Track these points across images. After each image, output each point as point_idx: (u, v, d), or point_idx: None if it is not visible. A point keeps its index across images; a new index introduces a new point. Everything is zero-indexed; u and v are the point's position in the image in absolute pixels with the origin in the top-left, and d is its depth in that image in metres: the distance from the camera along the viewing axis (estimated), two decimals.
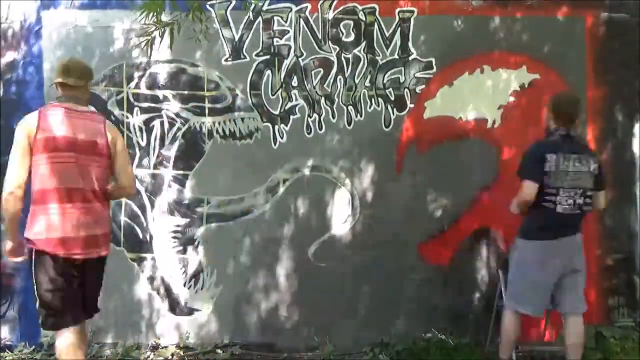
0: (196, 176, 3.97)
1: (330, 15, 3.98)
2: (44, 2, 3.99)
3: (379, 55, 4.00)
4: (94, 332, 3.87)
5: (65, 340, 2.65)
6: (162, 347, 3.89)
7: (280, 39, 3.99)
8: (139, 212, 3.95)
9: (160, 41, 2.93)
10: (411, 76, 3.99)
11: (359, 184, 3.99)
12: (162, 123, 3.98)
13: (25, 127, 2.64)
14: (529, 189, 3.05)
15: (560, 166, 3.03)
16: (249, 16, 3.97)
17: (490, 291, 3.89)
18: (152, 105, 3.98)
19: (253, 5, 3.93)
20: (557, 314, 3.39)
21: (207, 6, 3.87)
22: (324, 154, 3.99)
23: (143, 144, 3.97)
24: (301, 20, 3.98)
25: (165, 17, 2.97)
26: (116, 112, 3.97)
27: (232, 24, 3.98)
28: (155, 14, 2.80)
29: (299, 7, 3.97)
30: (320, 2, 3.98)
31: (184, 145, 3.97)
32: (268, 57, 3.99)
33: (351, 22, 3.99)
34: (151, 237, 3.96)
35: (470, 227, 3.96)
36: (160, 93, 3.97)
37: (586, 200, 3.10)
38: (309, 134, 3.99)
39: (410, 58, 3.99)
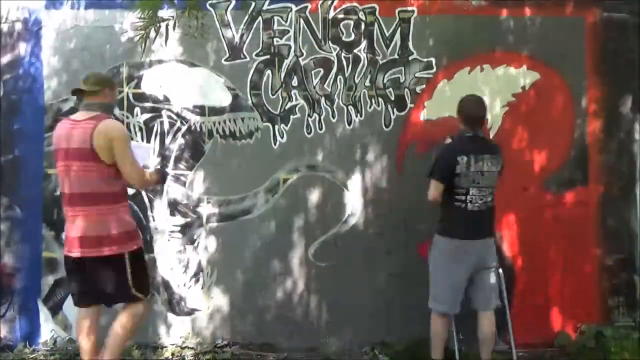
0: (196, 176, 3.97)
1: (330, 15, 3.98)
2: (44, 2, 3.98)
3: (379, 55, 4.00)
4: None
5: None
6: (162, 347, 3.89)
7: (280, 39, 3.99)
8: (139, 212, 3.95)
9: (155, 36, 2.94)
10: (411, 76, 3.99)
11: (359, 184, 3.99)
12: (162, 123, 3.98)
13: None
14: (436, 188, 3.22)
15: (471, 167, 3.16)
16: (249, 16, 3.97)
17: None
18: (152, 105, 3.98)
19: (253, 5, 3.93)
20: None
21: (208, 6, 3.87)
22: (324, 154, 3.99)
23: (143, 144, 3.97)
24: (301, 20, 3.98)
25: (162, 14, 2.98)
26: (116, 112, 3.97)
27: (232, 24, 3.98)
28: (151, 10, 2.81)
29: (299, 7, 3.97)
30: (320, 2, 3.98)
31: (184, 145, 3.98)
32: (268, 57, 3.99)
33: (351, 22, 3.99)
34: (151, 237, 3.96)
35: None
36: (160, 93, 3.97)
37: (492, 198, 3.27)
38: (309, 134, 3.99)
39: (410, 58, 3.99)
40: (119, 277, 2.95)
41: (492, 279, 3.30)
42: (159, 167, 3.88)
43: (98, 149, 2.84)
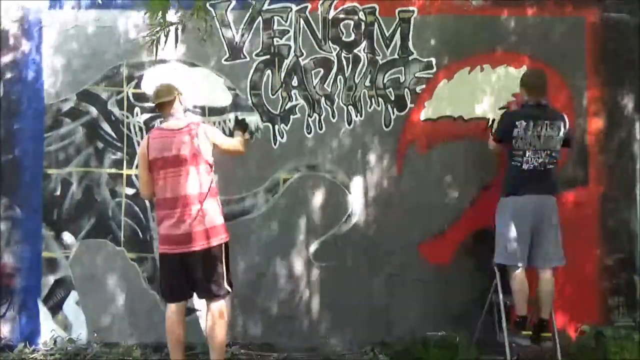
0: None
1: (331, 15, 3.98)
2: (44, 2, 3.99)
3: (379, 55, 4.00)
4: (95, 332, 3.88)
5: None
6: (163, 347, 3.88)
7: (280, 38, 3.99)
8: (139, 212, 3.95)
9: (165, 41, 2.94)
10: (411, 76, 3.99)
11: (359, 184, 3.99)
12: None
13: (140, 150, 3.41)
14: (493, 146, 3.73)
15: (528, 132, 3.48)
16: (249, 16, 3.97)
17: (489, 290, 3.90)
18: (153, 105, 3.96)
19: (253, 5, 3.93)
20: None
21: (208, 6, 3.87)
22: (324, 154, 3.99)
23: None
24: (301, 20, 3.98)
25: (169, 17, 2.98)
26: (116, 112, 3.98)
27: (232, 24, 3.98)
28: (160, 14, 2.80)
29: (299, 7, 3.97)
30: (321, 2, 3.98)
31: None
32: (268, 57, 3.99)
33: (351, 22, 3.99)
34: (151, 237, 3.96)
35: (470, 227, 3.96)
36: None
37: (551, 159, 3.53)
38: (309, 134, 3.99)
39: (410, 58, 3.99)
40: (218, 268, 3.26)
41: (551, 236, 3.51)
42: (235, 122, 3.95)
43: (203, 149, 3.27)
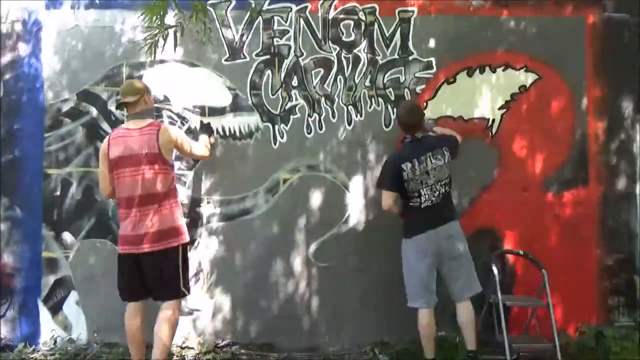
0: (196, 176, 3.97)
1: (331, 15, 3.98)
2: (44, 3, 3.98)
3: (379, 55, 4.00)
4: (95, 332, 3.88)
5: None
6: None
7: (280, 39, 3.99)
8: None
9: (164, 43, 2.94)
10: (411, 76, 3.99)
11: (359, 184, 3.99)
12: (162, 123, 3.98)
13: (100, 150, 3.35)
14: (388, 197, 3.45)
15: (416, 171, 3.38)
16: (249, 16, 3.97)
17: (489, 290, 3.90)
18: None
19: (253, 5, 3.93)
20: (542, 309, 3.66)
21: (208, 7, 3.87)
22: (324, 154, 3.99)
23: None
24: (301, 20, 3.98)
25: (168, 19, 2.98)
26: (116, 112, 3.97)
27: (232, 24, 3.98)
28: (158, 16, 2.80)
29: (299, 7, 3.97)
30: (321, 2, 3.98)
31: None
32: (268, 57, 3.99)
33: (351, 22, 3.99)
34: None
35: (470, 227, 3.95)
36: (160, 93, 3.97)
37: (446, 188, 3.44)
38: (309, 134, 3.99)
39: (410, 58, 4.00)
40: (173, 270, 3.21)
41: (460, 267, 3.42)
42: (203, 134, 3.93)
43: (164, 148, 3.21)
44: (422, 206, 3.39)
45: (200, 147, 3.60)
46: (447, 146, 3.49)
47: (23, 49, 3.98)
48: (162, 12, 2.78)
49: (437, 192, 3.40)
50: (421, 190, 3.39)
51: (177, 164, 3.96)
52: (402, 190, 3.42)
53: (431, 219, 3.38)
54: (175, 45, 2.92)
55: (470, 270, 3.45)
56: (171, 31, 2.91)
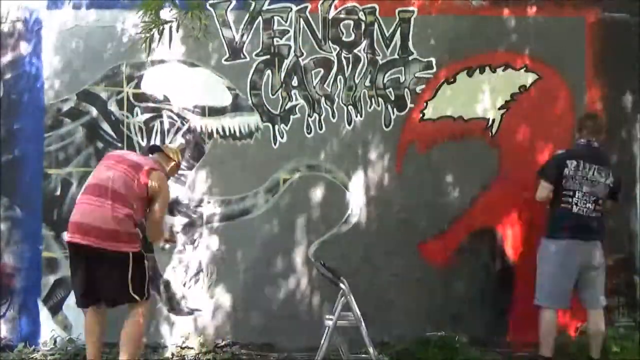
0: (196, 176, 3.97)
1: (331, 15, 3.98)
2: (44, 2, 3.99)
3: (379, 55, 4.00)
4: None
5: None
6: (163, 347, 3.89)
7: (280, 39, 3.99)
8: None
9: (159, 39, 2.94)
10: (411, 76, 3.99)
11: (359, 184, 3.99)
12: (162, 123, 3.98)
13: None
14: (544, 188, 3.44)
15: (579, 172, 3.37)
16: (249, 16, 3.97)
17: (490, 290, 3.91)
18: (152, 105, 3.98)
19: (253, 5, 3.93)
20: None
21: (207, 6, 3.87)
22: (324, 154, 3.99)
23: (143, 143, 3.97)
24: (301, 20, 3.98)
25: (165, 16, 2.98)
26: (116, 112, 3.97)
27: (232, 24, 3.98)
28: (153, 12, 2.80)
29: (299, 7, 3.97)
30: (321, 2, 3.98)
31: (184, 145, 3.97)
32: (268, 57, 3.99)
33: (351, 22, 3.99)
34: None
35: (470, 227, 3.96)
36: (160, 93, 3.97)
37: (596, 207, 3.40)
38: (309, 134, 3.99)
39: (410, 58, 3.99)
40: (121, 276, 3.01)
41: (598, 278, 3.45)
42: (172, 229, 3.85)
43: (150, 178, 3.07)
44: (573, 211, 3.38)
45: (158, 218, 3.21)
46: (614, 175, 3.48)
47: (23, 48, 3.99)
48: (157, 7, 2.77)
49: (588, 205, 3.38)
50: (577, 192, 3.38)
51: None
52: (558, 185, 3.41)
53: (579, 229, 3.38)
54: (170, 41, 2.90)
55: (602, 283, 3.50)
56: (167, 27, 2.90)
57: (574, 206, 3.38)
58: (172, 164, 3.34)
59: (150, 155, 3.34)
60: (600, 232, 3.46)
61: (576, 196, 3.37)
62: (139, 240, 3.12)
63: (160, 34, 2.93)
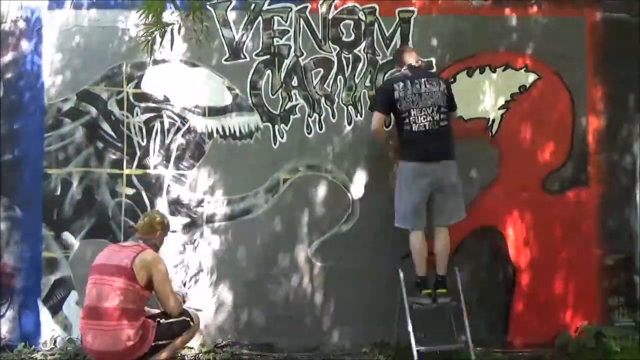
0: (196, 176, 3.97)
1: (331, 15, 3.98)
2: (44, 2, 3.99)
3: (379, 55, 4.00)
4: None
5: None
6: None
7: (280, 39, 3.99)
8: (139, 213, 3.94)
9: (161, 41, 2.95)
10: None
11: (359, 184, 3.99)
12: (162, 123, 3.98)
13: None
14: (376, 118, 3.58)
15: (408, 91, 3.45)
16: (249, 16, 3.97)
17: (489, 290, 3.90)
18: (152, 105, 3.98)
19: (253, 6, 3.93)
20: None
21: (207, 6, 3.87)
22: (324, 154, 3.99)
23: (143, 143, 3.97)
24: (301, 20, 3.98)
25: (166, 18, 2.99)
26: (116, 112, 3.97)
27: (232, 24, 3.98)
28: (155, 14, 2.81)
29: (299, 7, 3.97)
30: (320, 2, 3.98)
31: (184, 145, 3.98)
32: (268, 57, 3.99)
33: (351, 22, 3.99)
34: None
35: (470, 227, 3.95)
36: (160, 93, 3.97)
37: (441, 117, 3.46)
38: (309, 134, 3.99)
39: None
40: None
41: (448, 199, 3.50)
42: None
43: (136, 271, 3.03)
44: (413, 130, 3.44)
45: (172, 300, 3.19)
46: (446, 83, 3.59)
47: (24, 48, 3.99)
48: (159, 10, 2.78)
49: (428, 118, 3.43)
50: (411, 110, 3.44)
51: (176, 164, 3.97)
52: (392, 109, 3.50)
53: (426, 149, 3.42)
54: (173, 44, 2.90)
55: (458, 201, 3.54)
56: (168, 29, 2.91)
57: (413, 125, 3.44)
58: (158, 233, 3.30)
59: (130, 239, 3.31)
60: (449, 151, 3.49)
61: (412, 114, 3.44)
62: (143, 315, 3.10)
63: (162, 36, 2.93)
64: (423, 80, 3.49)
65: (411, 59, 3.61)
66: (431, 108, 3.45)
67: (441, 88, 3.51)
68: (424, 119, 3.43)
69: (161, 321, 3.12)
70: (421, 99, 3.45)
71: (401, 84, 3.48)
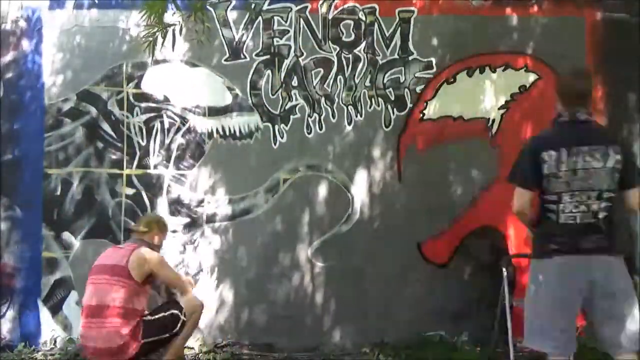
0: (196, 176, 3.97)
1: (330, 15, 3.99)
2: (44, 2, 3.99)
3: (379, 55, 4.00)
4: None
5: None
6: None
7: (280, 39, 3.99)
8: (139, 213, 3.94)
9: (163, 42, 2.95)
10: (411, 76, 4.00)
11: (359, 184, 3.99)
12: (162, 123, 3.98)
13: None
14: (519, 197, 2.46)
15: (561, 166, 2.35)
16: (249, 16, 3.97)
17: (490, 290, 3.89)
18: (152, 105, 3.98)
19: (253, 6, 3.93)
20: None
21: (207, 6, 3.87)
22: (324, 154, 3.99)
23: (143, 143, 3.98)
24: (301, 20, 3.99)
25: (167, 18, 2.99)
26: (116, 112, 3.98)
27: (232, 24, 3.98)
28: (157, 15, 2.81)
29: (299, 7, 3.98)
30: (320, 2, 3.98)
31: (184, 145, 3.98)
32: (268, 57, 3.99)
33: (351, 22, 3.99)
34: None
35: (470, 226, 3.95)
36: (160, 93, 3.97)
37: (602, 205, 2.37)
38: (309, 134, 3.99)
39: (410, 58, 4.00)
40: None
41: (621, 308, 2.40)
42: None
43: (131, 268, 3.08)
44: (560, 222, 2.38)
45: (181, 282, 3.38)
46: (620, 152, 2.38)
47: (23, 48, 3.99)
48: (160, 10, 2.78)
49: (581, 207, 2.36)
50: (563, 195, 2.37)
51: (177, 164, 3.98)
52: (538, 186, 2.42)
53: (577, 241, 2.38)
54: (174, 45, 2.91)
55: (629, 317, 2.40)
56: (170, 30, 2.91)
57: (561, 215, 2.38)
58: (154, 232, 3.37)
59: (129, 240, 3.36)
60: (609, 243, 2.48)
61: (563, 201, 2.37)
62: (140, 314, 3.13)
63: (164, 37, 2.93)
64: (586, 149, 2.34)
65: (579, 106, 2.39)
66: (587, 193, 2.36)
67: (610, 162, 2.35)
68: (575, 207, 2.37)
69: (145, 318, 3.12)
70: (576, 177, 2.35)
71: (553, 154, 2.35)
